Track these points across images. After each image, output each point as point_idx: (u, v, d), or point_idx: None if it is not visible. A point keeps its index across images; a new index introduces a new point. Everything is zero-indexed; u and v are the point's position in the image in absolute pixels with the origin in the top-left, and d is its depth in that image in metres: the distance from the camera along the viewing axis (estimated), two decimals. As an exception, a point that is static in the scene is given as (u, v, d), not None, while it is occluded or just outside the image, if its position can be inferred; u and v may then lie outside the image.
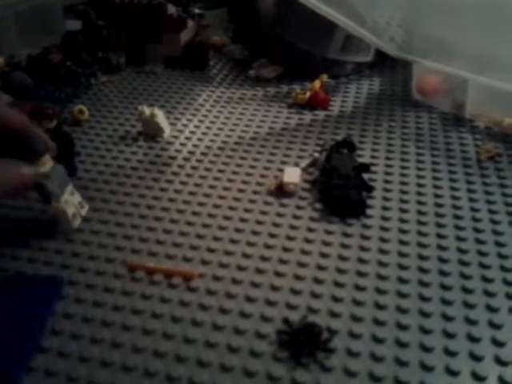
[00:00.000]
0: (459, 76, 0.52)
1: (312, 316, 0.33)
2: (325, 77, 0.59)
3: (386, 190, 0.44)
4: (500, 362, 0.30)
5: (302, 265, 0.37)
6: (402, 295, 0.34)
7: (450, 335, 0.31)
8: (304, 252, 0.38)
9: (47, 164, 0.37)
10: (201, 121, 0.56)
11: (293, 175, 0.44)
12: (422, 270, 0.36)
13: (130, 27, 0.67)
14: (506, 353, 0.30)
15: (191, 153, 0.50)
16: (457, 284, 0.35)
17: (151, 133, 0.53)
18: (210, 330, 0.32)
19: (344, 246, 0.38)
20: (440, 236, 0.39)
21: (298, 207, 0.42)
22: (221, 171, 0.47)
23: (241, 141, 0.52)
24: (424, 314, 0.33)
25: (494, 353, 0.30)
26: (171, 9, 0.67)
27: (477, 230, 0.40)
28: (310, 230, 0.40)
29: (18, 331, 0.31)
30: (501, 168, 0.47)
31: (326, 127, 0.55)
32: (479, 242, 0.38)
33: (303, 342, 0.30)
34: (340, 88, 0.63)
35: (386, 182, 0.45)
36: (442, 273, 0.36)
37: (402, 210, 0.42)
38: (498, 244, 0.38)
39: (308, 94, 0.58)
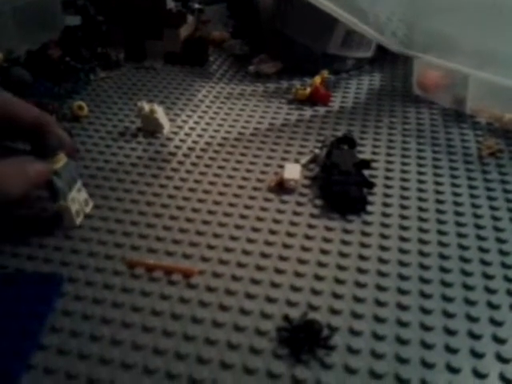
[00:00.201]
0: (460, 71, 0.52)
1: (312, 313, 0.33)
2: (325, 72, 0.59)
3: (387, 187, 0.44)
4: (501, 359, 0.30)
5: (302, 261, 0.37)
6: (402, 292, 0.34)
7: (450, 332, 0.31)
8: (304, 249, 0.38)
9: (61, 161, 0.37)
10: (200, 117, 0.56)
11: (293, 171, 0.44)
12: (423, 267, 0.36)
13: (130, 22, 0.67)
14: (507, 350, 0.30)
15: (191, 149, 0.50)
16: (458, 281, 0.35)
17: (151, 129, 0.53)
18: (209, 327, 0.32)
19: (344, 242, 0.38)
20: (441, 233, 0.39)
21: (299, 204, 0.42)
22: (221, 167, 0.47)
23: (241, 137, 0.52)
24: (425, 311, 0.33)
25: (495, 350, 0.30)
26: (170, 4, 0.67)
27: (478, 227, 0.39)
28: (310, 226, 0.40)
29: (18, 328, 0.31)
30: (502, 164, 0.47)
31: (326, 123, 0.54)
32: (480, 238, 0.38)
33: (303, 339, 0.30)
34: (340, 84, 0.63)
35: (387, 178, 0.45)
36: (443, 270, 0.36)
37: (403, 207, 0.42)
38: (500, 241, 0.38)
39: (308, 89, 0.58)
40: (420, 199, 0.43)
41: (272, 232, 0.39)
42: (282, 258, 0.37)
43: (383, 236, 0.39)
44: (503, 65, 0.49)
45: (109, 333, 0.31)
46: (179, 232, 0.39)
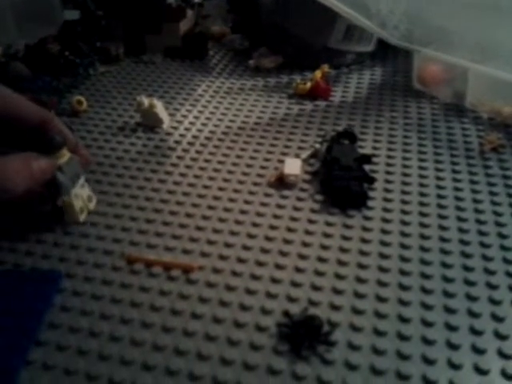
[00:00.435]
0: (461, 65, 0.52)
1: (313, 309, 0.32)
2: (326, 67, 0.58)
3: (388, 182, 0.44)
4: (503, 355, 0.29)
5: (302, 257, 0.36)
6: (403, 287, 0.34)
7: (452, 328, 0.31)
8: (305, 244, 0.37)
9: (65, 156, 0.36)
10: (200, 111, 0.56)
11: (293, 166, 0.44)
12: (424, 262, 0.36)
13: (129, 17, 0.67)
14: (508, 346, 0.30)
15: (191, 144, 0.50)
16: (459, 276, 0.35)
17: (150, 123, 0.52)
18: (209, 323, 0.32)
19: (345, 237, 0.38)
20: (442, 228, 0.39)
21: (299, 199, 0.42)
22: (221, 162, 0.47)
23: (241, 132, 0.52)
24: (426, 307, 0.32)
25: (497, 346, 0.30)
26: (170, -2, 0.66)
27: (479, 222, 0.39)
28: (310, 221, 0.40)
29: (16, 325, 0.31)
30: (504, 159, 0.47)
31: (326, 118, 0.54)
32: (482, 233, 0.38)
33: (304, 335, 0.30)
34: (341, 78, 0.63)
35: (388, 173, 0.45)
36: (444, 265, 0.35)
37: (404, 202, 0.41)
38: (501, 236, 0.38)
39: (309, 84, 0.58)
40: (421, 194, 0.42)
41: (272, 227, 0.39)
42: (283, 254, 0.37)
43: (384, 231, 0.38)
44: (505, 59, 0.49)
45: (108, 329, 0.31)
46: (179, 227, 0.39)
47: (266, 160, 0.47)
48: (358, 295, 0.33)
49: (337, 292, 0.34)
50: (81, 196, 0.39)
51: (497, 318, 0.32)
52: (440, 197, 0.42)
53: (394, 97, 0.58)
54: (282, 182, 0.44)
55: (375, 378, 0.29)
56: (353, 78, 0.63)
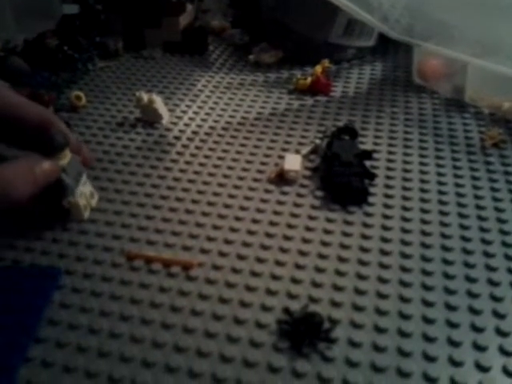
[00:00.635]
0: (461, 60, 0.51)
1: (313, 305, 0.32)
2: (326, 62, 0.58)
3: (389, 178, 0.44)
4: (504, 352, 0.29)
5: (302, 253, 0.36)
6: (404, 284, 0.34)
7: (453, 325, 0.31)
8: (305, 240, 0.37)
9: (67, 157, 0.36)
10: (200, 107, 0.55)
11: (294, 162, 0.44)
12: (425, 259, 0.35)
13: (128, 11, 0.66)
14: (510, 343, 0.30)
15: (190, 139, 0.49)
16: (460, 273, 0.34)
17: (150, 119, 0.52)
18: (209, 320, 0.32)
19: (346, 234, 0.38)
20: (443, 224, 0.38)
21: (299, 195, 0.42)
22: (220, 158, 0.47)
23: (241, 127, 0.51)
24: (427, 304, 0.32)
25: (498, 343, 0.30)
26: (169, -8, 0.66)
27: (481, 218, 0.39)
28: (311, 218, 0.39)
29: (15, 321, 0.31)
30: (505, 155, 0.46)
31: (327, 113, 0.54)
32: (483, 230, 0.38)
33: (304, 332, 0.30)
34: (342, 73, 0.62)
35: (389, 169, 0.45)
36: (446, 261, 0.35)
37: (405, 198, 0.41)
38: (503, 232, 0.38)
39: (309, 79, 0.57)
40: (422, 190, 0.42)
41: (272, 224, 0.39)
42: (283, 250, 0.36)
43: (385, 227, 0.38)
44: (506, 54, 0.49)
45: (107, 325, 0.31)
46: (178, 224, 0.39)
47: (266, 156, 0.47)
48: (359, 292, 0.33)
49: (337, 289, 0.33)
50: (84, 194, 0.38)
51: (498, 315, 0.31)
52: (441, 193, 0.42)
53: (394, 92, 0.58)
54: (282, 178, 0.43)
55: (376, 375, 0.28)
56: (353, 73, 0.62)
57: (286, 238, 0.38)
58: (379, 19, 0.55)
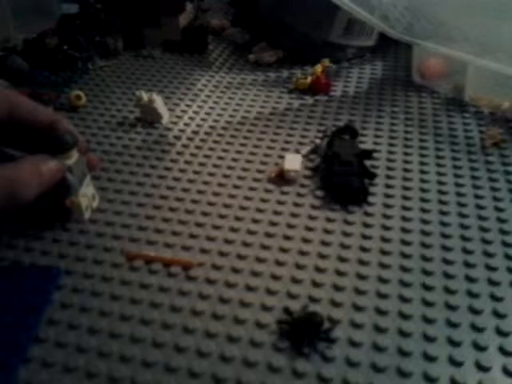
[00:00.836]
0: (461, 59, 0.51)
1: (313, 305, 0.32)
2: (326, 61, 0.58)
3: (389, 177, 0.44)
4: (504, 352, 0.29)
5: (302, 253, 0.36)
6: (404, 284, 0.34)
7: (453, 325, 0.31)
8: (305, 240, 0.37)
9: (73, 157, 0.36)
10: (200, 106, 0.55)
11: (294, 162, 0.44)
12: (425, 259, 0.35)
13: (128, 10, 0.66)
14: (510, 343, 0.30)
15: (190, 139, 0.49)
16: (460, 273, 0.34)
17: (149, 118, 0.52)
18: (209, 320, 0.32)
19: (346, 233, 0.38)
20: (443, 224, 0.38)
21: (299, 195, 0.42)
22: (220, 158, 0.46)
23: (240, 127, 0.51)
24: (427, 304, 0.32)
25: (499, 343, 0.30)
26: (169, -9, 0.66)
27: (481, 218, 0.39)
28: (311, 217, 0.39)
29: (14, 321, 0.31)
30: (505, 154, 0.46)
31: (327, 113, 0.54)
32: (483, 229, 0.38)
33: (304, 332, 0.30)
34: (342, 73, 0.62)
35: (389, 168, 0.45)
36: (446, 261, 0.35)
37: (405, 198, 0.41)
38: (503, 232, 0.38)
39: (309, 78, 0.57)
40: (422, 190, 0.42)
41: (272, 223, 0.39)
42: (283, 250, 0.36)
43: (385, 227, 0.38)
44: (507, 54, 0.49)
45: (107, 326, 0.31)
46: (178, 224, 0.39)
47: (266, 156, 0.47)
48: (359, 292, 0.33)
49: (337, 288, 0.33)
50: (86, 195, 0.38)
51: (498, 315, 0.31)
52: (441, 192, 0.42)
53: (395, 91, 0.58)
54: (282, 178, 0.43)
55: (376, 375, 0.28)
56: (354, 72, 0.62)
57: (286, 237, 0.37)
58: (379, 18, 0.55)
